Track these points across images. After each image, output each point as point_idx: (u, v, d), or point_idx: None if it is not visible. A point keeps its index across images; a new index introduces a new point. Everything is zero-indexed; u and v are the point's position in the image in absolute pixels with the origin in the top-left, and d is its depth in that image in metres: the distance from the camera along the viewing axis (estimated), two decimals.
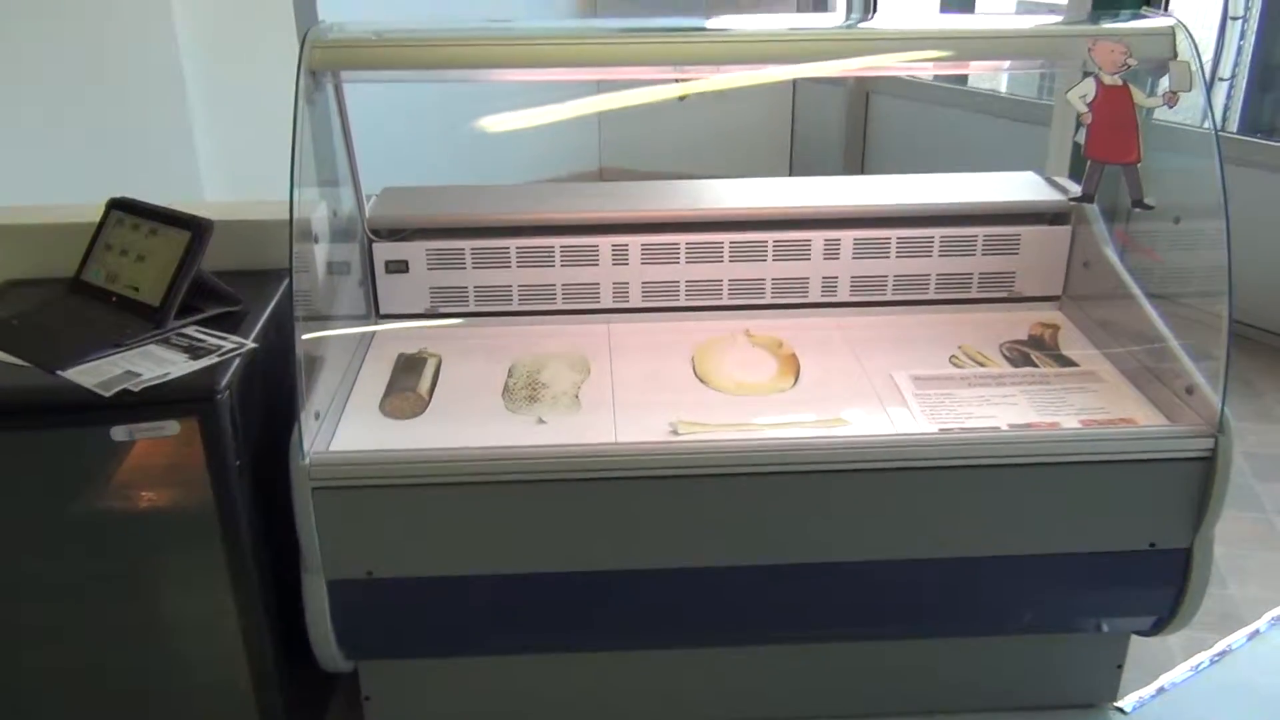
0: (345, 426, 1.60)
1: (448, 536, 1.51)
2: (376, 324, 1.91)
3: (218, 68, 3.00)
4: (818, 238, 1.90)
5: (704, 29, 1.64)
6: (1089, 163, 1.61)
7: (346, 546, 1.49)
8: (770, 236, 1.90)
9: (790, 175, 5.11)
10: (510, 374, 1.76)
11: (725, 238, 1.90)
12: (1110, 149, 1.54)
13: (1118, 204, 1.78)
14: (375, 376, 1.76)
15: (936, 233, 1.91)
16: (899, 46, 1.60)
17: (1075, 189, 1.93)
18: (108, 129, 2.87)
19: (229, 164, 3.04)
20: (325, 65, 1.58)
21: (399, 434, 1.59)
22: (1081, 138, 1.54)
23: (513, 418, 1.63)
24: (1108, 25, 1.59)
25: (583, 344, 1.86)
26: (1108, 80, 1.51)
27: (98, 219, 1.67)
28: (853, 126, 4.66)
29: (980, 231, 1.91)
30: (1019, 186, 2.01)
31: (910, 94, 4.37)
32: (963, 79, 4.29)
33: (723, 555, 1.54)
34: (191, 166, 2.96)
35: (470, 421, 1.62)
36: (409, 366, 1.79)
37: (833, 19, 4.58)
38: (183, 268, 1.51)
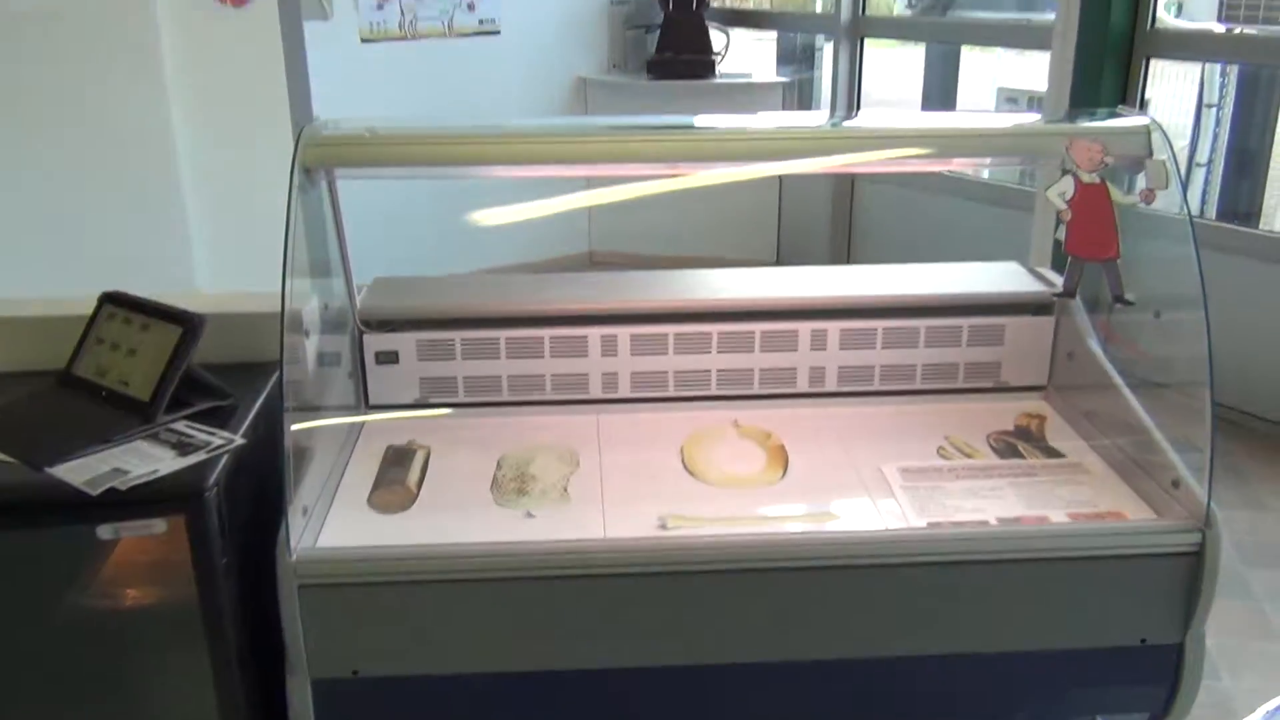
0: (333, 521, 1.59)
1: (435, 634, 1.49)
2: (366, 415, 1.92)
3: (213, 160, 3.05)
4: (805, 328, 1.92)
5: (692, 127, 1.68)
6: (1070, 259, 1.64)
7: (332, 644, 1.47)
8: (758, 327, 1.92)
9: (778, 259, 5.18)
10: (499, 466, 1.76)
11: (713, 329, 1.92)
12: (1090, 246, 1.58)
13: (1100, 295, 1.81)
14: (364, 469, 1.75)
15: (922, 324, 1.93)
16: (882, 144, 1.64)
17: (1058, 280, 1.96)
18: (103, 219, 2.90)
19: (222, 254, 3.07)
20: (319, 162, 1.61)
21: (387, 528, 1.59)
22: (1062, 234, 1.57)
23: (501, 511, 1.63)
24: (1084, 124, 1.64)
25: (572, 435, 1.86)
26: (1086, 178, 1.55)
27: (88, 312, 1.68)
28: (839, 212, 4.75)
29: (965, 322, 1.93)
30: (1003, 277, 2.04)
31: (895, 180, 4.45)
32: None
33: (713, 652, 1.52)
34: (185, 256, 2.99)
35: (459, 515, 1.62)
36: (397, 458, 1.79)
37: (818, 117, 4.69)
38: (173, 363, 1.52)
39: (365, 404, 1.93)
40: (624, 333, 1.91)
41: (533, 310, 1.93)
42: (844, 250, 4.77)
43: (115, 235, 2.90)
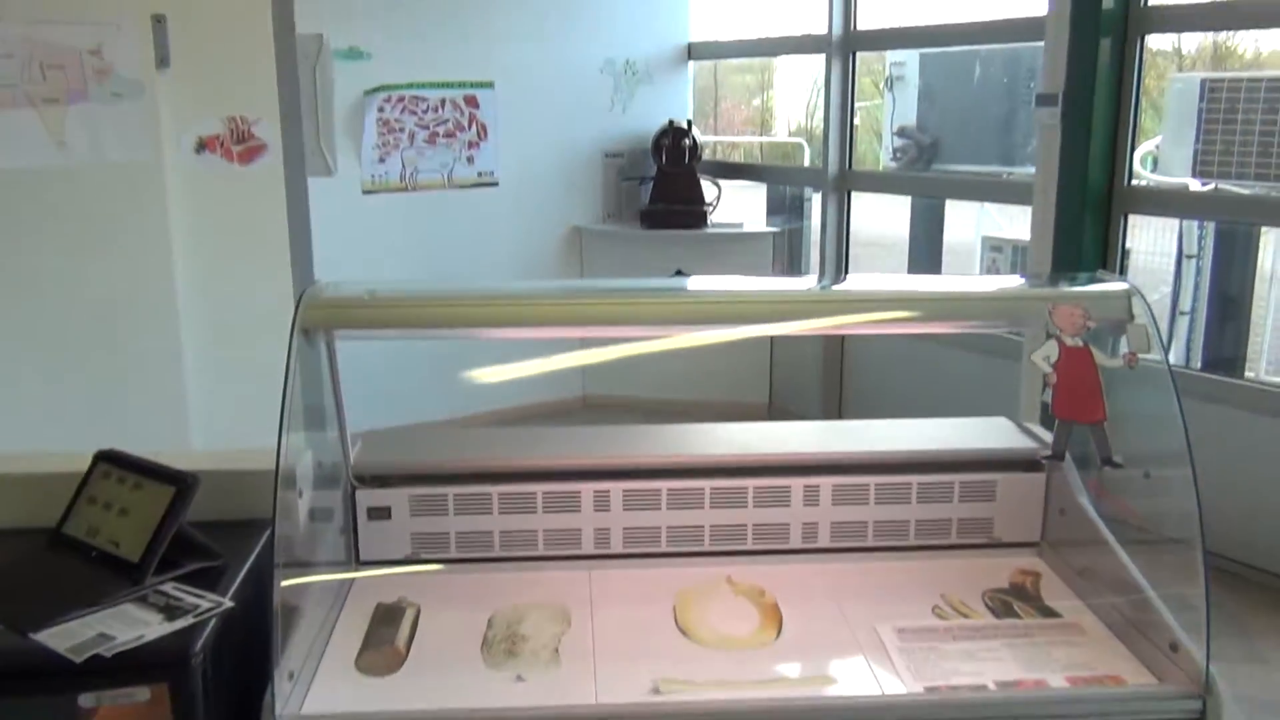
0: (319, 684, 1.56)
1: None
2: (356, 571, 1.90)
3: (214, 314, 3.11)
4: (797, 484, 1.93)
5: (685, 290, 1.73)
6: (1057, 422, 1.67)
7: None
8: (751, 483, 1.93)
9: (770, 405, 5.22)
10: (490, 625, 1.74)
11: (706, 484, 1.92)
12: (1076, 409, 1.60)
13: (1090, 452, 1.83)
14: (353, 628, 1.73)
15: (914, 479, 1.94)
16: (869, 308, 1.68)
17: (1047, 437, 1.98)
18: (103, 374, 2.94)
19: (219, 408, 3.10)
20: (318, 324, 1.65)
21: (374, 692, 1.56)
22: (1048, 396, 1.60)
23: (491, 674, 1.60)
24: (1066, 289, 1.69)
25: (564, 591, 1.85)
26: (1069, 342, 1.59)
27: (83, 469, 1.69)
28: (830, 361, 4.82)
29: (957, 479, 1.95)
30: (993, 433, 2.06)
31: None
32: None
33: None
34: (181, 412, 3.02)
35: (447, 678, 1.59)
36: (387, 618, 1.77)
37: (806, 282, 4.82)
38: (165, 524, 1.52)
39: (356, 560, 1.92)
40: (617, 488, 1.92)
41: (525, 465, 1.94)
42: (836, 397, 4.82)
43: (114, 391, 2.94)
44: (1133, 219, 3.78)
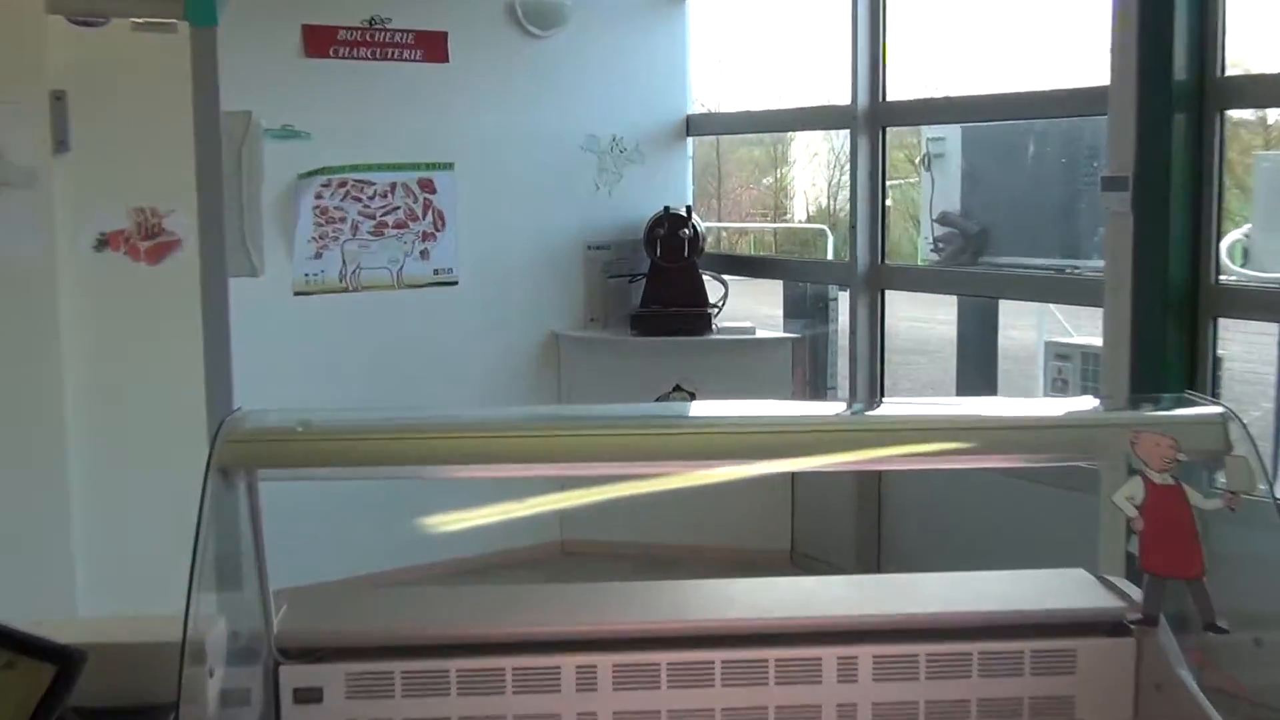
0: None
1: None
2: None
3: (108, 449, 3.10)
4: (829, 655, 1.90)
5: (686, 418, 1.73)
6: (1147, 577, 1.66)
7: None
8: (772, 654, 1.90)
9: (791, 555, 5.18)
10: None
11: (717, 655, 1.89)
12: (1169, 562, 1.59)
13: (1188, 613, 1.81)
14: None
15: (975, 648, 1.91)
16: (912, 438, 1.68)
17: (1134, 593, 1.96)
18: None
19: (110, 567, 3.06)
20: (239, 462, 1.64)
21: None
22: (1134, 546, 1.59)
23: None
24: (1150, 413, 1.69)
25: None
26: (1157, 479, 1.59)
27: None
28: (865, 501, 4.79)
29: (1028, 646, 1.92)
30: (1069, 589, 2.04)
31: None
32: None
33: None
34: (67, 573, 2.98)
35: None
36: None
37: (835, 406, 4.83)
38: (41, 711, 1.48)
39: None
40: (605, 661, 1.88)
41: (492, 635, 1.91)
42: (873, 543, 4.79)
43: None
44: (1223, 323, 3.82)
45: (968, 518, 4.41)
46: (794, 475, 5.06)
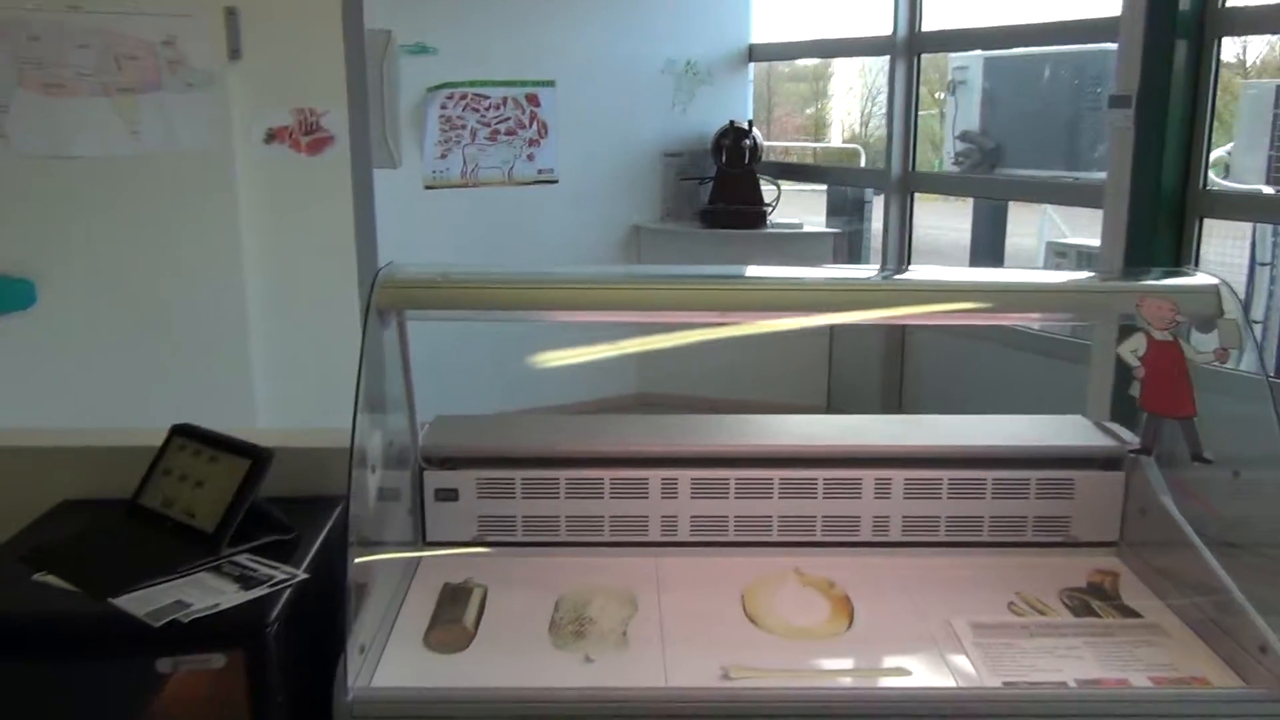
0: (388, 660, 1.56)
1: None
2: (423, 551, 1.90)
3: (280, 299, 3.14)
4: (869, 476, 1.90)
5: (747, 276, 1.71)
6: (1146, 416, 1.62)
7: None
8: (821, 474, 1.90)
9: (828, 405, 5.17)
10: (557, 608, 1.73)
11: (775, 475, 1.90)
12: (1166, 403, 1.56)
13: (1171, 450, 1.78)
14: (420, 606, 1.73)
15: (989, 475, 1.90)
16: (939, 298, 1.65)
17: (1126, 434, 1.94)
18: (172, 354, 2.98)
19: (284, 390, 3.13)
20: (391, 304, 1.65)
21: (443, 669, 1.55)
22: (1136, 391, 1.56)
23: (559, 654, 1.59)
24: (1153, 282, 1.64)
25: (630, 578, 1.83)
26: (1158, 336, 1.55)
27: (155, 443, 1.71)
28: (890, 360, 4.76)
29: (1034, 475, 1.90)
30: (1070, 431, 2.01)
31: (947, 331, 4.47)
32: None
33: None
34: (248, 393, 3.05)
35: (515, 657, 1.58)
36: (454, 597, 1.77)
37: (868, 270, 4.76)
38: (240, 496, 1.52)
39: (423, 540, 1.92)
40: (685, 476, 1.90)
41: (593, 451, 1.93)
42: (895, 398, 4.76)
43: (183, 372, 2.98)
44: (1204, 226, 3.69)
45: (977, 381, 4.37)
46: (831, 339, 5.02)
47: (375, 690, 1.45)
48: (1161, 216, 3.54)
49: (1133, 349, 1.57)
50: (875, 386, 4.83)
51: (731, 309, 1.70)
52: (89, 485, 1.78)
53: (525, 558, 1.90)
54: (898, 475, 1.90)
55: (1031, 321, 3.51)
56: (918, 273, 2.25)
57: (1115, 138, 3.60)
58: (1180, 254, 3.59)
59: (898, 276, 2.13)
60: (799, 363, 5.10)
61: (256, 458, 1.54)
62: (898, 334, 4.67)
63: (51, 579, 1.43)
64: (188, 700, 1.40)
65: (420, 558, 1.88)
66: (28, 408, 2.88)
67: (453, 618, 1.69)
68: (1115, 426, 1.99)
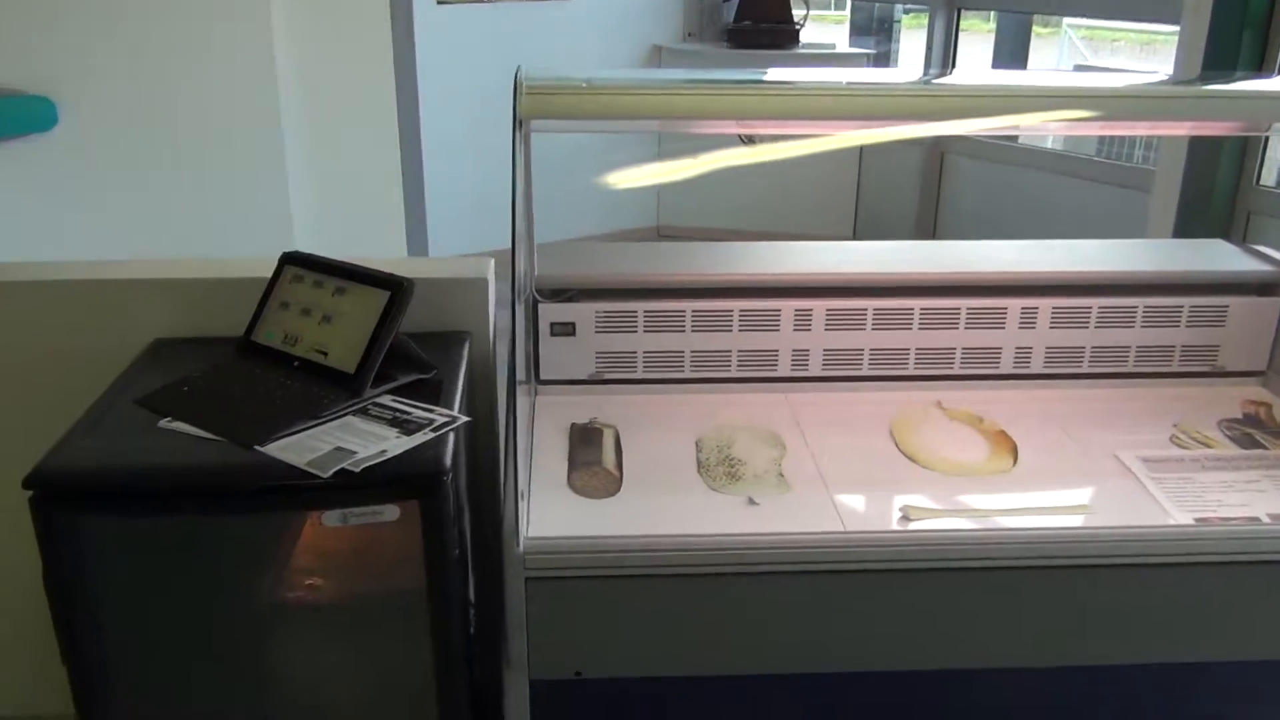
0: (538, 507, 1.44)
1: (666, 633, 1.35)
2: (538, 389, 1.77)
3: (315, 120, 2.89)
4: (1014, 305, 1.77)
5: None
6: None
7: (555, 643, 1.33)
8: (964, 303, 1.76)
9: (853, 235, 5.01)
10: (699, 448, 1.61)
11: (915, 304, 1.76)
12: None
13: None
14: (550, 449, 1.60)
15: (1140, 302, 1.77)
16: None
17: (1277, 255, 1.81)
18: (210, 185, 2.76)
19: (321, 215, 2.90)
20: (532, 113, 1.45)
21: (598, 516, 1.43)
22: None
23: (718, 497, 1.48)
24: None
25: (762, 415, 1.71)
26: None
27: (251, 274, 1.53)
28: (926, 187, 4.56)
29: (1186, 301, 1.78)
30: (1216, 255, 1.88)
31: (989, 155, 4.28)
32: (1043, 139, 4.20)
33: (965, 657, 1.38)
34: (285, 221, 2.82)
35: (672, 501, 1.47)
36: (586, 438, 1.64)
37: (909, 74, 4.49)
38: (380, 331, 1.36)
39: (537, 378, 1.78)
40: (820, 306, 1.76)
41: (722, 280, 1.77)
42: (929, 229, 4.59)
43: (217, 196, 2.75)
44: None
45: (1019, 209, 4.21)
46: (860, 166, 4.80)
47: (544, 540, 1.33)
48: (1247, 29, 3.30)
49: None
50: (908, 216, 4.64)
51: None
52: (183, 323, 1.61)
53: (646, 395, 1.77)
54: (1044, 304, 1.77)
55: (1094, 132, 3.26)
56: (968, 75, 2.05)
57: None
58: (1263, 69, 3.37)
59: (942, 80, 1.91)
60: (825, 193, 4.88)
61: (396, 288, 1.37)
62: (935, 161, 4.46)
63: (181, 425, 1.28)
64: (354, 555, 1.27)
65: (536, 398, 1.75)
66: (50, 238, 2.66)
67: (592, 460, 1.57)
68: (1267, 249, 1.86)
